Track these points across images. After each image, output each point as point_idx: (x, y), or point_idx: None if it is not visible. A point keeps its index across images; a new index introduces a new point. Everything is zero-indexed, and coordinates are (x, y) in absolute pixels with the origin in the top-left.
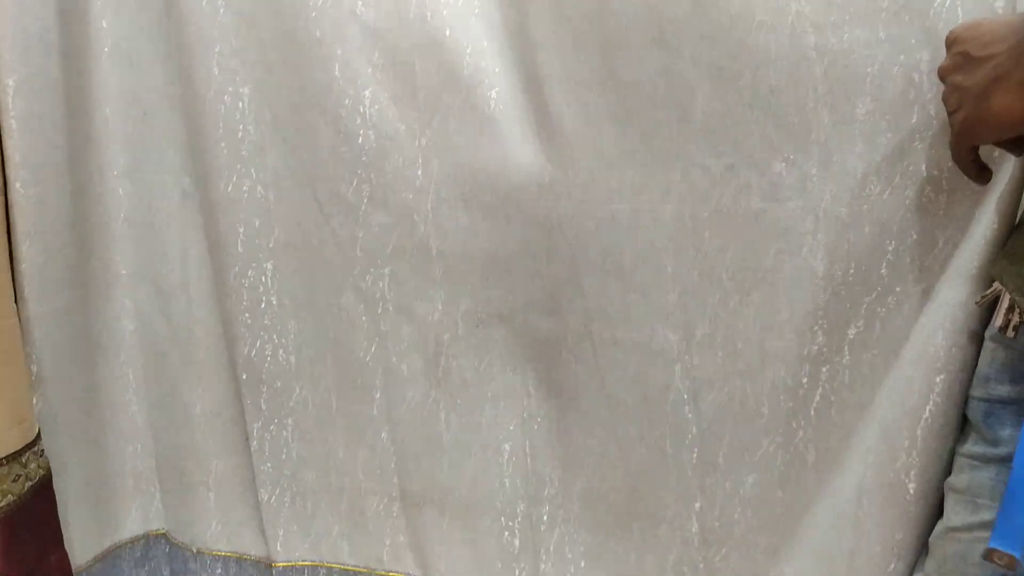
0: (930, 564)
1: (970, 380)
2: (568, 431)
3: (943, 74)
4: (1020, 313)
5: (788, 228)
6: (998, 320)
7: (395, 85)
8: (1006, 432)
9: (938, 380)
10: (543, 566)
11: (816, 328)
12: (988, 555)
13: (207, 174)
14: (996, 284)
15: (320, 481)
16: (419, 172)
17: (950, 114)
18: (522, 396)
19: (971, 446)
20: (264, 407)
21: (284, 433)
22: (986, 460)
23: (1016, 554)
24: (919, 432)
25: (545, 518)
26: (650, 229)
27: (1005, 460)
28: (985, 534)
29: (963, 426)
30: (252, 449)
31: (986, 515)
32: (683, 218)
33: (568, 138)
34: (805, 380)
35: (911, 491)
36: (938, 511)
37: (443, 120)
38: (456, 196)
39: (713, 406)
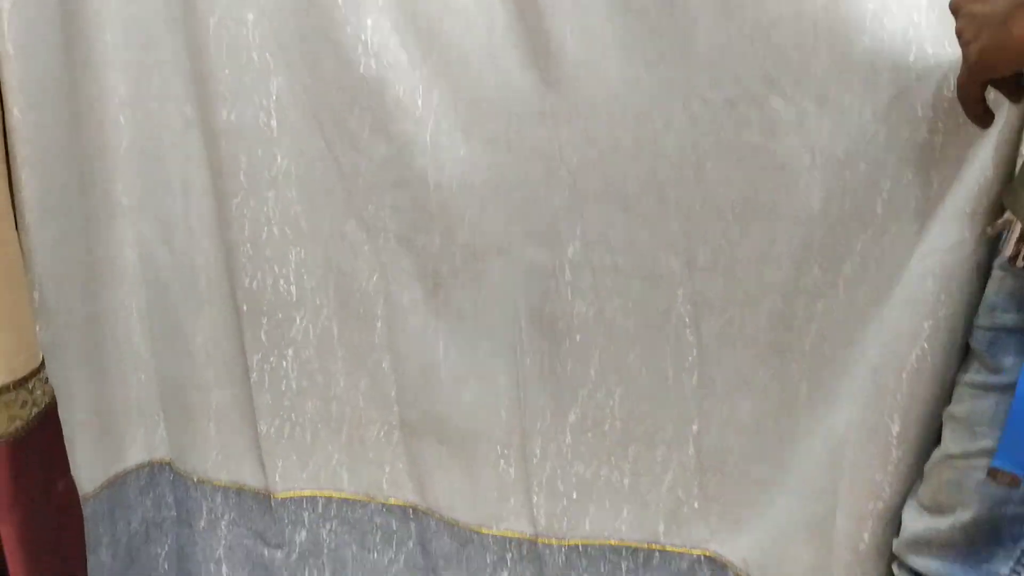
0: (924, 490)
1: (961, 325)
2: (562, 364)
3: (957, 5)
4: None
5: (785, 164)
6: (1008, 249)
7: (396, 13)
8: (1009, 360)
9: (926, 325)
10: (535, 498)
11: (812, 261)
12: (992, 474)
13: (210, 102)
14: (1007, 214)
15: (320, 411)
16: (419, 102)
17: (964, 46)
18: (515, 329)
19: (973, 375)
20: (264, 339)
21: (284, 364)
22: (987, 389)
23: (1019, 473)
24: (904, 376)
25: (537, 451)
26: (653, 158)
27: (1006, 389)
28: (983, 462)
29: (964, 356)
30: (252, 381)
31: (985, 443)
32: (685, 149)
33: (571, 66)
34: (801, 312)
35: (894, 433)
36: (920, 453)
37: (443, 49)
38: (455, 127)
39: (714, 330)
